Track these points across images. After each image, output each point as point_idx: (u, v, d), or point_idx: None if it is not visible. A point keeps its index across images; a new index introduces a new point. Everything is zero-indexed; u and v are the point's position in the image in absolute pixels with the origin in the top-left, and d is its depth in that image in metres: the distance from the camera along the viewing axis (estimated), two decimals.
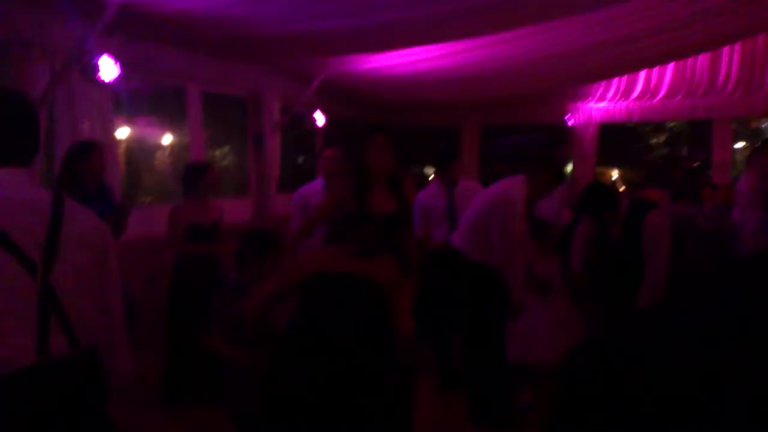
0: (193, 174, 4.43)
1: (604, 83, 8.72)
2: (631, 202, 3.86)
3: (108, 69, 4.65)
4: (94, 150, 3.99)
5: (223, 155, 8.76)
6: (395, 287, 2.61)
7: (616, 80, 8.67)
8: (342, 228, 2.68)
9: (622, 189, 10.03)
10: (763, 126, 12.64)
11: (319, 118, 7.36)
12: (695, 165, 8.21)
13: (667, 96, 8.54)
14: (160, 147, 7.79)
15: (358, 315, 2.48)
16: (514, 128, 10.07)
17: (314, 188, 4.34)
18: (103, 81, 4.72)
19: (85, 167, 3.91)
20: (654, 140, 12.96)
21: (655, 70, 8.47)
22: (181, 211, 4.34)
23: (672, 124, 12.01)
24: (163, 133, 7.76)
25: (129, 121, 6.51)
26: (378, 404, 2.46)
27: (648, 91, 8.59)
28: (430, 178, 7.25)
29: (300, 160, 9.36)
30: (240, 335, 2.68)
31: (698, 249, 4.71)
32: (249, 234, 3.12)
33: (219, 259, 4.42)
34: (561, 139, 8.84)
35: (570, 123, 8.91)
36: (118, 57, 4.55)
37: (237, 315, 2.63)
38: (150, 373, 4.60)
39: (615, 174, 13.22)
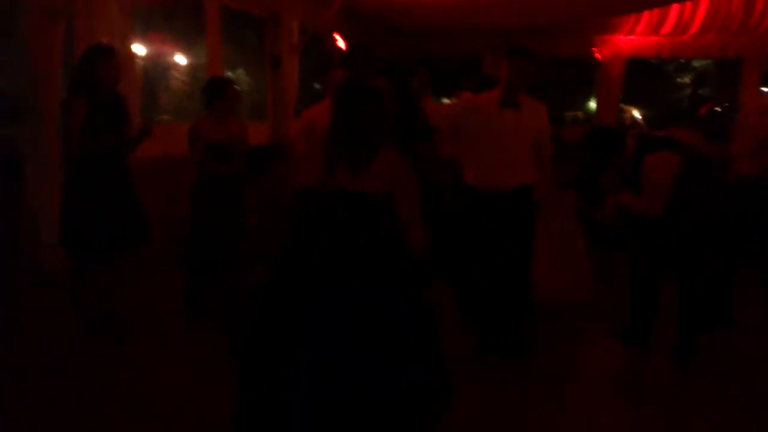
0: (213, 89, 4.34)
1: (634, 16, 8.40)
2: (637, 142, 3.83)
3: None
4: (108, 54, 3.88)
5: (239, 77, 8.60)
6: (400, 193, 2.36)
7: (647, 14, 8.35)
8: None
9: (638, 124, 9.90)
10: None
11: (339, 42, 7.16)
12: (725, 105, 8.02)
13: (698, 33, 8.26)
14: (175, 65, 7.63)
15: (354, 241, 2.29)
16: (537, 52, 9.77)
17: (321, 110, 4.20)
18: None
19: (100, 72, 3.80)
20: (678, 79, 12.64)
21: (688, 4, 8.15)
22: (200, 127, 4.28)
23: (697, 64, 11.69)
24: (178, 52, 7.59)
25: (145, 38, 6.36)
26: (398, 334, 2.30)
27: (679, 27, 8.28)
28: None
29: (318, 86, 9.20)
30: None
31: (738, 196, 4.51)
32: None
33: (238, 177, 4.39)
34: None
35: (597, 56, 8.65)
36: None
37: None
38: (169, 296, 4.66)
39: (636, 112, 12.98)
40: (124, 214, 3.94)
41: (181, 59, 7.69)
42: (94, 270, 4.04)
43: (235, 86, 4.54)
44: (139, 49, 6.19)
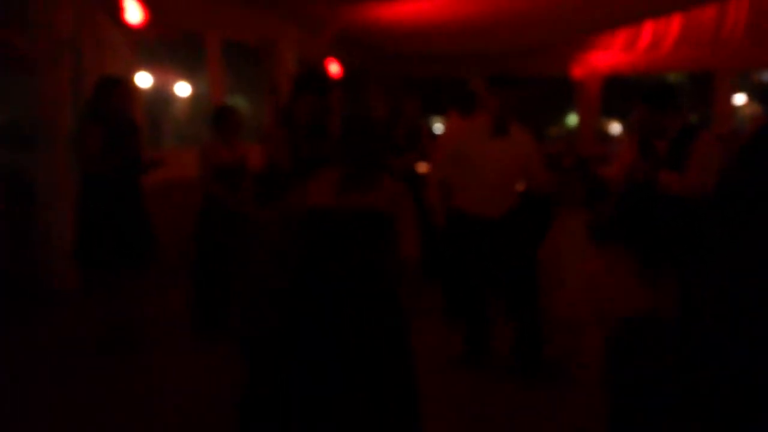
0: (220, 116, 4.62)
1: (609, 34, 8.80)
2: (685, 124, 3.74)
3: (133, 11, 4.80)
4: (120, 85, 4.16)
5: (238, 103, 8.90)
6: (396, 212, 2.62)
7: (622, 31, 8.75)
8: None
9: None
10: (765, 78, 12.76)
11: (334, 68, 7.50)
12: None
13: (672, 48, 8.60)
14: (178, 94, 7.93)
15: (354, 258, 2.55)
16: (520, 79, 10.16)
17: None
18: (129, 23, 4.87)
19: (113, 102, 4.08)
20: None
21: (662, 20, 8.52)
22: (210, 150, 4.54)
23: (673, 78, 12.14)
24: (180, 81, 7.90)
25: (149, 69, 6.66)
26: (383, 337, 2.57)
27: (653, 43, 8.67)
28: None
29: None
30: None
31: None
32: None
33: (243, 200, 4.64)
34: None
35: (575, 74, 9.04)
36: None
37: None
38: (177, 310, 4.88)
39: (617, 126, 13.40)
40: (134, 232, 4.19)
41: (183, 88, 7.99)
42: (105, 284, 4.27)
43: (238, 112, 4.83)
44: (143, 78, 6.50)
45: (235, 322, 2.93)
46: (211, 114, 4.78)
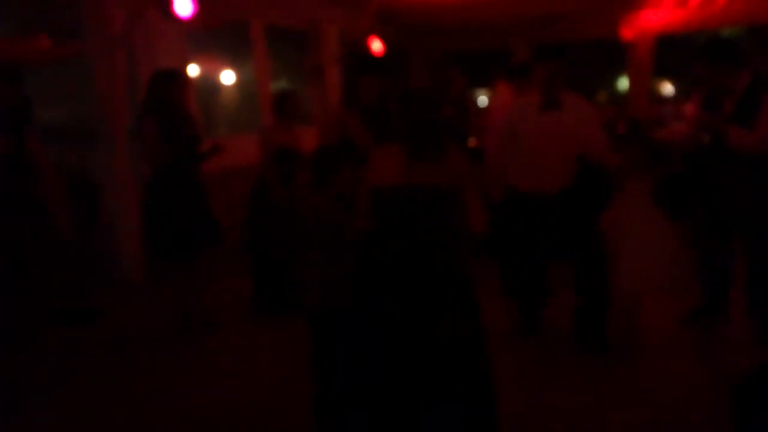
0: (282, 100, 4.72)
1: None
2: (753, 79, 3.59)
3: (182, 4, 4.85)
4: (178, 78, 4.23)
5: (283, 88, 8.97)
6: (462, 187, 2.61)
7: None
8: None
9: None
10: None
11: (376, 46, 7.45)
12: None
13: (727, 1, 8.24)
14: (224, 83, 8.03)
15: (426, 235, 2.53)
16: (566, 45, 9.93)
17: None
18: (179, 16, 4.93)
19: (170, 94, 4.16)
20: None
21: None
22: (271, 134, 4.64)
23: (727, 33, 11.64)
24: (225, 70, 7.99)
25: (198, 59, 6.76)
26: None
27: None
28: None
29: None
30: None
31: None
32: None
33: (299, 183, 4.70)
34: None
35: (625, 36, 8.75)
36: None
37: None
38: (238, 292, 5.01)
39: (669, 87, 12.97)
40: (199, 219, 4.30)
41: (228, 76, 8.08)
42: (171, 274, 4.41)
43: (299, 96, 4.88)
44: (193, 69, 6.61)
45: (302, 303, 2.94)
46: (273, 100, 4.85)
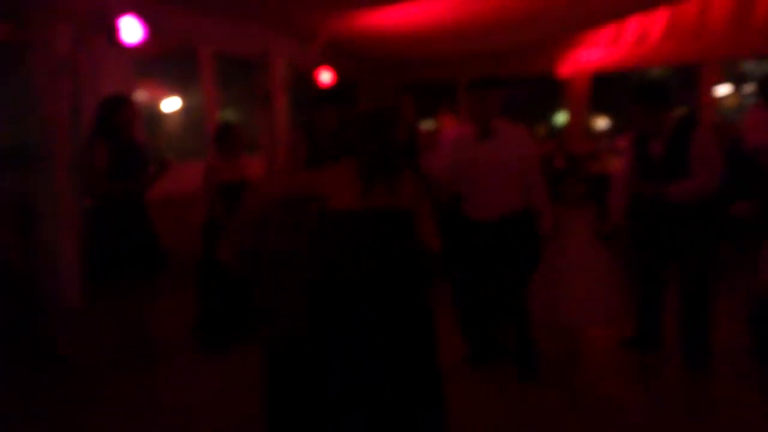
0: (221, 134, 4.68)
1: (595, 31, 8.90)
2: (680, 119, 3.79)
3: (131, 30, 4.81)
4: (126, 103, 4.19)
5: (230, 115, 8.92)
6: (418, 209, 2.65)
7: (607, 28, 8.84)
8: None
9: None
10: (748, 69, 12.96)
11: (326, 76, 7.54)
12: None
13: (658, 42, 8.68)
14: (169, 110, 7.94)
15: (383, 258, 2.54)
16: (501, 81, 10.26)
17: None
18: (126, 43, 4.89)
19: (119, 119, 4.12)
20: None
21: (647, 15, 8.60)
22: (212, 170, 4.60)
23: (656, 72, 12.30)
24: (171, 96, 7.91)
25: (144, 85, 6.67)
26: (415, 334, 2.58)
27: (640, 37, 8.77)
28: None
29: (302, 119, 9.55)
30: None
31: None
32: None
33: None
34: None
35: (562, 73, 9.14)
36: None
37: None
38: (182, 321, 4.93)
39: (604, 122, 13.54)
40: (144, 245, 4.24)
41: (173, 103, 8.00)
42: (113, 301, 4.31)
43: (238, 129, 4.84)
44: (138, 95, 6.51)
45: (256, 331, 2.91)
46: (213, 133, 4.83)
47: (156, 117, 7.68)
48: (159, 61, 6.72)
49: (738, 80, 12.90)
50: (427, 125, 10.48)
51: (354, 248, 2.55)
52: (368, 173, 2.55)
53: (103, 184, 4.04)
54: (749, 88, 13.28)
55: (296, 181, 2.70)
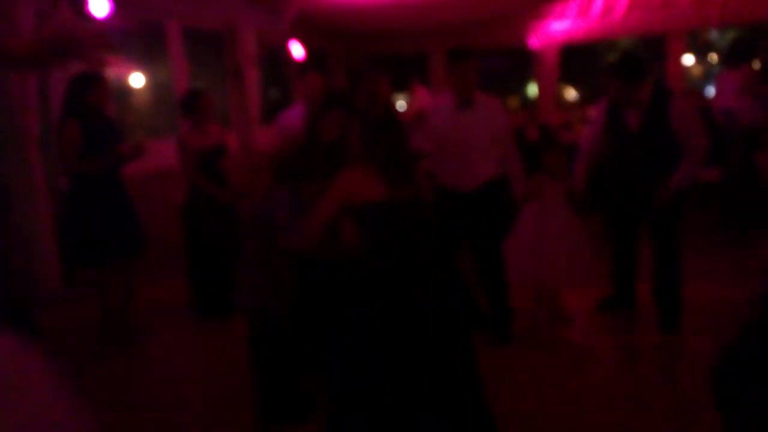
0: (190, 100, 4.59)
1: (564, 3, 8.94)
2: (654, 89, 3.81)
3: (98, 3, 4.69)
4: (98, 81, 4.09)
5: None
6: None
7: (576, 0, 8.89)
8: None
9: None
10: (712, 38, 13.20)
11: (296, 50, 7.45)
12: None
13: (625, 12, 8.78)
14: (137, 86, 7.77)
15: (423, 242, 2.56)
16: (479, 52, 10.27)
17: (296, 114, 4.51)
18: (94, 17, 4.76)
19: (91, 98, 4.02)
20: (610, 58, 13.41)
21: None
22: (186, 139, 4.52)
23: (624, 42, 12.46)
24: (137, 72, 7.74)
25: (111, 61, 6.50)
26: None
27: (607, 9, 8.85)
28: None
29: (273, 93, 9.44)
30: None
31: None
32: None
33: (230, 186, 4.64)
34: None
35: (532, 44, 9.18)
36: None
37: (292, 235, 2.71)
38: (169, 299, 4.91)
39: (573, 92, 13.68)
40: (124, 224, 4.18)
41: (139, 79, 7.83)
42: (93, 283, 4.26)
43: (207, 95, 4.75)
44: (107, 71, 6.35)
45: (239, 303, 2.93)
46: (180, 101, 4.74)
47: (124, 93, 7.50)
48: (126, 36, 6.56)
49: (702, 50, 13.13)
50: (400, 101, 10.48)
51: (389, 240, 2.53)
52: (386, 170, 2.60)
53: (79, 164, 3.97)
54: (713, 57, 13.54)
55: (338, 194, 2.61)
